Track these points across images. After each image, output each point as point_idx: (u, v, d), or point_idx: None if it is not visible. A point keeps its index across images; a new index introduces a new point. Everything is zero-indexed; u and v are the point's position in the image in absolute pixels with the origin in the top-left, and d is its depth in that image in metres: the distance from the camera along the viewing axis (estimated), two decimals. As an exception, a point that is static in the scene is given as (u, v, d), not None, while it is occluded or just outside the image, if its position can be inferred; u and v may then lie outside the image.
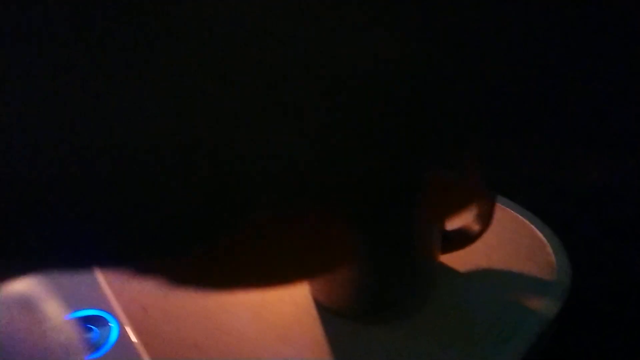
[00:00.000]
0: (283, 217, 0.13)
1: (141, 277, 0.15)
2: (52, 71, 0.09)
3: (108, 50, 0.09)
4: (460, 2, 0.10)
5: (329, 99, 0.11)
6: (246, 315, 0.42)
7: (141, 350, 0.38)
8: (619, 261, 0.49)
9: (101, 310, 0.37)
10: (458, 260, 0.44)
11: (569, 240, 0.45)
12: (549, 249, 0.45)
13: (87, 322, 0.37)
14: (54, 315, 0.35)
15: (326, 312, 0.41)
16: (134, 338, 0.39)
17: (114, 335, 0.37)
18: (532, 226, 0.46)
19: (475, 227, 0.42)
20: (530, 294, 0.42)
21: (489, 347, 0.38)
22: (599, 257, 0.49)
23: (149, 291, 0.44)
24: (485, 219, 0.42)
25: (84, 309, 0.37)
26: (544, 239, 0.45)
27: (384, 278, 0.38)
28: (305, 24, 0.10)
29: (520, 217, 0.47)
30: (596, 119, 0.12)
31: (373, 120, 0.12)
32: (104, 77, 0.10)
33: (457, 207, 0.18)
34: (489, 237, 0.43)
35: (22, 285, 0.35)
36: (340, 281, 0.39)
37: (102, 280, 0.42)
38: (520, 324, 0.39)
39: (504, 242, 0.46)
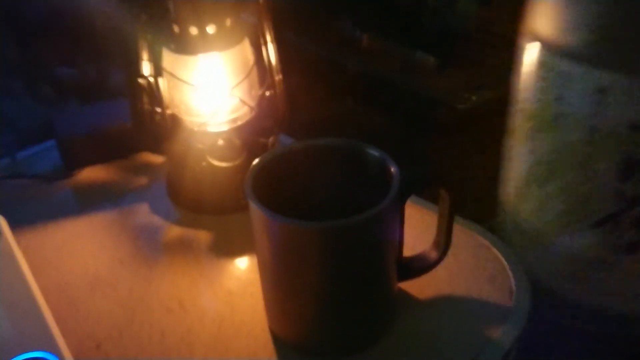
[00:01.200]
0: None
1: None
2: None
3: None
4: None
5: None
6: (202, 350, 0.40)
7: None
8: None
9: (47, 352, 0.35)
10: (417, 286, 0.44)
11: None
12: (509, 273, 0.45)
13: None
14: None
15: (285, 347, 0.40)
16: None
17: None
18: (497, 252, 0.46)
19: (434, 254, 0.42)
20: (491, 319, 0.41)
21: (448, 376, 0.37)
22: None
23: (104, 327, 0.42)
24: (443, 246, 0.41)
25: (28, 352, 0.35)
26: (504, 262, 0.45)
27: (343, 312, 0.37)
28: None
29: (481, 238, 0.47)
30: None
31: None
32: None
33: None
34: (449, 261, 0.43)
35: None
36: (299, 316, 0.38)
37: (51, 319, 0.40)
38: (482, 351, 0.39)
39: (464, 266, 0.46)
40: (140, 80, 0.50)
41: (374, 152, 0.38)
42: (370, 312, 0.38)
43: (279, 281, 0.37)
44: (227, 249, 0.49)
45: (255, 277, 0.46)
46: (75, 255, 0.49)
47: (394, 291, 0.40)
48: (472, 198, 0.64)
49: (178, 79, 0.49)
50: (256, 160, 0.38)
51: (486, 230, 0.49)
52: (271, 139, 0.53)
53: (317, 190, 0.41)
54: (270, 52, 0.52)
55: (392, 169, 0.36)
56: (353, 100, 0.98)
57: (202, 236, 0.51)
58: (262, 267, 0.38)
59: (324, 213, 0.41)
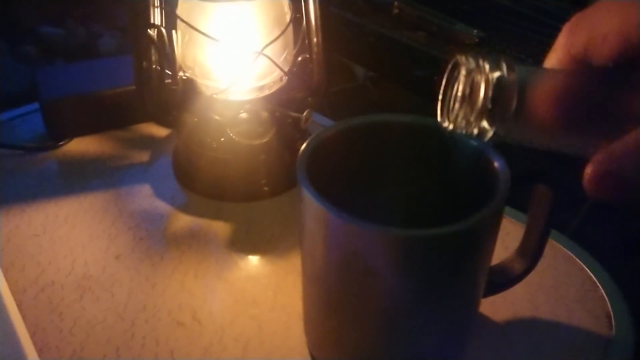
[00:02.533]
0: None
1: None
2: None
3: None
4: None
5: None
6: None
7: None
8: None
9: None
10: (490, 305, 0.35)
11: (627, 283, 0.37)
12: (602, 293, 0.36)
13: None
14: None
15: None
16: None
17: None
18: (584, 265, 0.38)
19: (518, 265, 0.33)
20: (587, 352, 0.33)
21: None
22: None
23: (96, 343, 0.33)
24: (533, 255, 0.33)
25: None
26: (595, 280, 0.37)
27: (418, 343, 0.28)
28: None
29: (570, 253, 0.39)
30: None
31: None
32: None
33: None
34: (530, 276, 0.34)
35: None
36: (358, 345, 0.29)
37: (22, 330, 0.31)
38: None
39: (546, 282, 0.37)
40: (149, 32, 0.40)
41: (468, 139, 0.29)
42: (447, 342, 0.30)
43: (337, 300, 0.28)
44: (247, 245, 0.40)
45: (285, 284, 0.37)
46: (59, 247, 0.39)
47: (476, 315, 0.32)
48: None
49: (197, 30, 0.39)
50: (309, 139, 0.29)
51: (567, 238, 0.40)
52: (305, 114, 0.44)
53: (383, 180, 0.31)
54: (311, 6, 0.42)
55: (496, 164, 0.27)
56: (374, 75, 0.88)
57: (217, 228, 0.41)
58: (311, 278, 0.29)
59: (396, 212, 0.32)
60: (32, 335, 0.33)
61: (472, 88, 0.20)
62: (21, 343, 0.31)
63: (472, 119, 0.21)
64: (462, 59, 0.21)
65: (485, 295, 0.33)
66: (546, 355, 0.33)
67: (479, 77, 0.20)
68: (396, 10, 0.76)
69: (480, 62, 0.20)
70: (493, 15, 0.77)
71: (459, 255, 0.25)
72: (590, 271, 0.37)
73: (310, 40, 0.43)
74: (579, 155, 0.21)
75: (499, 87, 0.20)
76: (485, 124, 0.20)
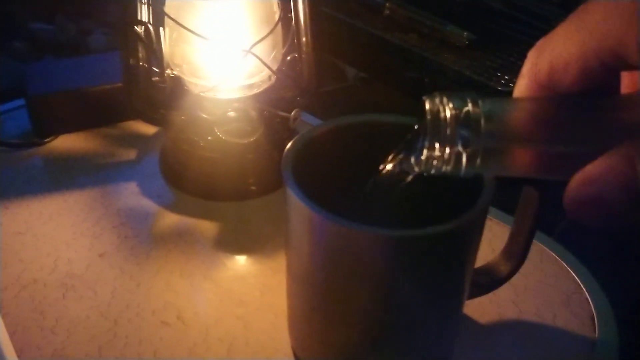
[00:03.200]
0: None
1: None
2: None
3: None
4: None
5: None
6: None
7: None
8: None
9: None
10: (477, 307, 0.35)
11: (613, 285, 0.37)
12: (587, 296, 0.36)
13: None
14: None
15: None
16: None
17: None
18: (569, 268, 0.38)
19: (504, 267, 0.33)
20: (572, 354, 0.33)
21: None
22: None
23: (78, 342, 0.33)
24: (519, 256, 0.33)
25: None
26: (580, 283, 0.37)
27: (404, 344, 0.28)
28: None
29: (556, 256, 0.39)
30: None
31: None
32: None
33: None
34: (516, 278, 0.34)
35: None
36: (343, 345, 0.29)
37: (2, 329, 0.30)
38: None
39: (531, 283, 0.37)
40: (137, 29, 0.39)
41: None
42: (433, 343, 0.30)
43: (322, 300, 0.28)
44: (235, 244, 0.40)
45: (272, 284, 0.37)
46: (43, 244, 0.39)
47: (461, 316, 0.32)
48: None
49: (184, 28, 0.39)
50: (296, 138, 0.28)
51: (553, 240, 0.40)
52: (293, 113, 0.44)
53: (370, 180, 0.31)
54: (300, 5, 0.42)
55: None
56: (365, 75, 0.88)
57: (204, 227, 0.41)
58: (297, 278, 0.29)
59: (383, 212, 0.31)
60: (13, 334, 0.33)
61: (439, 125, 0.20)
62: (0, 342, 0.31)
63: (444, 155, 0.21)
64: (426, 100, 0.21)
65: (471, 296, 0.33)
66: (531, 357, 0.33)
67: (443, 114, 0.20)
68: (387, 11, 0.76)
69: (445, 100, 0.21)
70: (484, 17, 0.77)
71: (444, 256, 0.25)
72: (575, 274, 0.38)
73: (299, 40, 0.43)
74: (556, 179, 0.21)
75: (465, 121, 0.20)
76: (456, 159, 0.20)
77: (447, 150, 0.20)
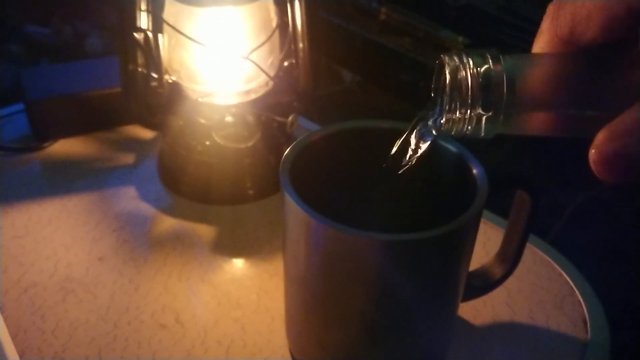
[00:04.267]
0: None
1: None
2: None
3: None
4: None
5: None
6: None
7: None
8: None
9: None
10: (475, 309, 0.36)
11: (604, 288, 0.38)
12: (579, 298, 0.37)
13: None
14: None
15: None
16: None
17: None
18: (562, 271, 0.39)
19: (498, 270, 0.34)
20: (565, 355, 0.33)
21: None
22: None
23: (78, 344, 0.33)
24: (512, 260, 0.33)
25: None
26: (573, 285, 0.38)
27: (398, 346, 0.28)
28: None
29: (549, 259, 0.39)
30: None
31: None
32: None
33: None
34: (510, 281, 0.35)
35: None
36: (339, 347, 0.29)
37: (4, 331, 0.31)
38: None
39: (525, 286, 0.38)
40: (136, 35, 0.40)
41: (449, 145, 0.29)
42: (427, 345, 0.30)
43: (318, 303, 0.28)
44: (232, 248, 0.40)
45: (269, 287, 0.37)
46: (42, 248, 0.39)
47: (455, 318, 0.32)
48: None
49: (183, 35, 0.39)
50: (293, 144, 0.29)
51: (547, 243, 0.41)
52: (290, 118, 0.44)
53: (366, 185, 0.32)
54: (297, 12, 0.42)
55: (475, 170, 0.28)
56: (361, 79, 0.89)
57: (202, 231, 0.42)
58: (293, 281, 0.29)
59: (375, 215, 0.32)
60: (14, 336, 0.33)
61: (460, 85, 0.19)
62: (2, 344, 0.31)
63: (465, 116, 0.20)
64: (445, 58, 0.20)
65: (466, 299, 0.34)
66: (524, 358, 0.34)
67: (463, 73, 0.19)
68: (383, 16, 0.76)
69: (464, 58, 0.20)
70: (479, 22, 0.78)
71: (438, 259, 0.26)
72: (568, 276, 0.38)
73: (296, 46, 0.43)
74: (580, 136, 0.20)
75: (486, 81, 0.19)
76: (477, 119, 0.20)
77: (468, 111, 0.20)
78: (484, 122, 0.20)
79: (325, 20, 0.76)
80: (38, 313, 0.35)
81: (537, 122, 0.20)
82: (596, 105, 0.19)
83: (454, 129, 0.21)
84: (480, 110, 0.20)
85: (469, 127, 0.20)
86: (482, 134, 0.20)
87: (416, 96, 0.74)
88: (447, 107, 0.20)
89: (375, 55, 0.75)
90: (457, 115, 0.20)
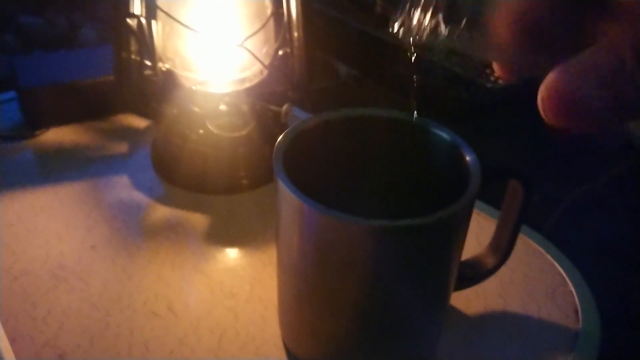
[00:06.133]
0: None
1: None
2: None
3: None
4: None
5: None
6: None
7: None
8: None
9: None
10: (464, 298, 0.36)
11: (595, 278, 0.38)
12: (571, 289, 0.37)
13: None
14: None
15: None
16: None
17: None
18: (554, 262, 0.39)
19: (490, 260, 0.34)
20: (556, 345, 0.34)
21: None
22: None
23: (70, 332, 0.33)
24: (505, 249, 0.33)
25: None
26: (565, 276, 0.38)
27: (391, 334, 0.28)
28: None
29: (542, 250, 0.39)
30: None
31: None
32: None
33: None
34: (502, 271, 0.35)
35: None
36: (331, 335, 0.29)
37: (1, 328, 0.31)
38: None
39: (517, 276, 0.38)
40: (129, 21, 0.40)
41: (443, 134, 0.29)
42: (419, 333, 0.30)
43: (311, 291, 0.28)
44: (226, 237, 0.40)
45: (262, 276, 0.37)
46: (35, 236, 0.39)
47: (447, 307, 0.32)
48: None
49: (177, 21, 0.39)
50: (287, 131, 0.29)
51: (537, 233, 0.41)
52: (285, 107, 0.44)
53: (360, 173, 0.32)
54: (292, 1, 0.42)
55: (468, 158, 0.28)
56: (357, 73, 0.89)
57: (196, 220, 0.41)
58: (286, 269, 0.29)
59: (368, 203, 0.32)
60: (5, 323, 0.33)
61: None
62: (-7, 331, 0.31)
63: (425, 21, 0.19)
64: None
65: (459, 288, 0.34)
66: (516, 347, 0.34)
67: None
68: (379, 9, 0.76)
69: None
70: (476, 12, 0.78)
71: (430, 247, 0.26)
72: (560, 267, 0.38)
73: (291, 35, 0.43)
74: (534, 70, 0.18)
75: None
76: (433, 29, 0.19)
77: (425, 17, 0.19)
78: (441, 30, 0.19)
79: (321, 13, 0.76)
80: (29, 300, 0.35)
81: (494, 39, 0.18)
82: (556, 38, 0.18)
83: (413, 36, 0.20)
84: (438, 17, 0.19)
85: (424, 35, 0.19)
86: (440, 43, 0.19)
87: (412, 89, 0.74)
88: (406, 10, 0.19)
89: (370, 48, 0.75)
90: (414, 22, 0.19)
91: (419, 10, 0.19)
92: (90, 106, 0.50)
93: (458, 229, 0.27)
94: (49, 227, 0.40)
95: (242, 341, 0.33)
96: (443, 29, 0.19)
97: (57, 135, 0.49)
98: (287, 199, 0.26)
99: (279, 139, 0.28)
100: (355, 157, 0.32)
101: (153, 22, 0.40)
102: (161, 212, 0.42)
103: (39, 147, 0.48)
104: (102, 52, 0.52)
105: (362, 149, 0.31)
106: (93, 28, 1.16)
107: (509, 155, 0.72)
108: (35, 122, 0.49)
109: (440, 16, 0.19)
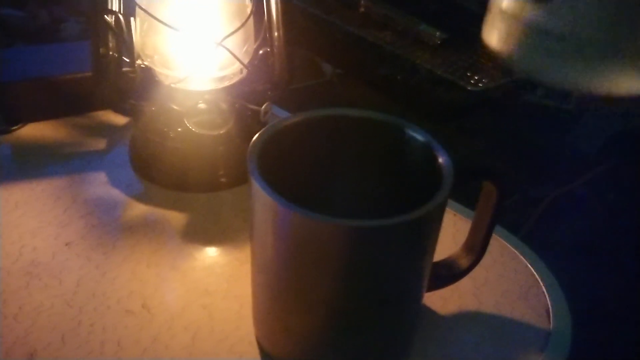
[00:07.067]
0: None
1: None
2: None
3: None
4: None
5: None
6: (171, 368, 0.31)
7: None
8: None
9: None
10: (439, 298, 0.36)
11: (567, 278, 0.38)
12: (544, 290, 0.38)
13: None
14: None
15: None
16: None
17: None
18: (527, 263, 0.39)
19: (464, 260, 0.35)
20: (529, 344, 0.34)
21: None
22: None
23: (42, 330, 0.32)
24: (479, 250, 0.34)
25: None
26: (537, 277, 0.38)
27: (362, 332, 0.29)
28: None
29: (516, 251, 0.40)
30: None
31: None
32: None
33: None
34: (477, 272, 0.35)
35: None
36: (305, 334, 0.29)
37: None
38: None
39: (491, 277, 0.38)
40: (107, 18, 0.39)
41: (417, 135, 0.29)
42: (393, 333, 0.30)
43: (284, 289, 0.28)
44: (203, 235, 0.40)
45: (239, 274, 0.37)
46: (8, 233, 0.39)
47: (421, 306, 0.32)
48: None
49: (156, 19, 0.39)
50: (263, 130, 0.29)
51: (513, 236, 0.41)
52: (264, 107, 0.44)
53: (335, 173, 0.32)
54: (272, 0, 0.42)
55: (441, 159, 0.28)
56: (340, 72, 0.89)
57: (173, 218, 0.41)
58: (260, 268, 0.29)
59: (343, 203, 0.32)
60: (-25, 321, 0.32)
61: None
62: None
63: None
64: None
65: (433, 288, 0.34)
66: (489, 346, 0.34)
67: None
68: (363, 9, 0.76)
69: None
70: (457, 17, 0.78)
71: (403, 247, 0.26)
72: (533, 268, 0.39)
73: (271, 34, 0.43)
74: None
75: None
76: None
77: None
78: None
79: (305, 11, 0.76)
80: (0, 297, 0.34)
81: None
82: None
83: None
84: None
85: None
86: None
87: (393, 89, 0.74)
88: None
89: (354, 48, 0.75)
90: None
91: None
92: (68, 102, 0.50)
93: (430, 229, 0.27)
94: (23, 224, 0.40)
95: (216, 339, 0.33)
96: None
97: (34, 131, 0.49)
98: (261, 198, 0.26)
99: (254, 138, 0.28)
100: (331, 157, 0.32)
101: (132, 18, 0.40)
102: (138, 210, 0.42)
103: (15, 142, 0.47)
104: (81, 47, 0.52)
105: (338, 149, 0.32)
106: (75, 22, 1.15)
107: (488, 154, 0.73)
108: (12, 117, 0.49)
109: None
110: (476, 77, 0.67)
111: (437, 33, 0.70)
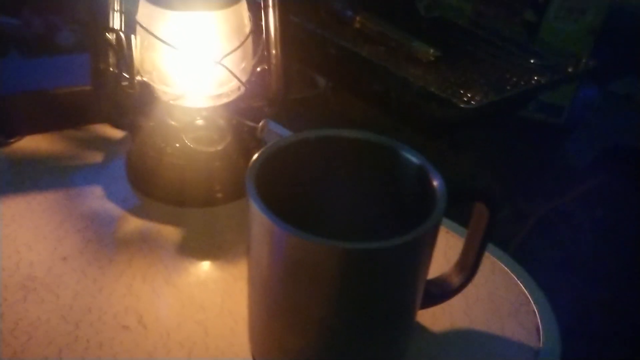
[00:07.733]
0: None
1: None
2: None
3: None
4: None
5: None
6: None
7: None
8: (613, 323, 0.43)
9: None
10: (434, 316, 0.37)
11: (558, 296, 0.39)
12: (534, 308, 0.38)
13: None
14: None
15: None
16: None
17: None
18: (518, 281, 0.40)
19: (456, 279, 0.35)
20: (516, 363, 0.35)
21: None
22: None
23: (38, 344, 0.33)
24: (470, 269, 0.35)
25: None
26: (528, 295, 0.39)
27: (357, 351, 0.29)
28: None
29: (507, 269, 0.41)
30: None
31: None
32: None
33: None
34: (468, 289, 0.36)
35: None
36: (300, 351, 0.30)
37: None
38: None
39: (482, 295, 0.39)
40: (108, 35, 0.40)
41: (411, 157, 0.30)
42: (386, 350, 0.31)
43: (280, 308, 0.29)
44: (199, 250, 0.41)
45: (233, 290, 0.37)
46: (4, 246, 0.39)
47: (414, 324, 0.33)
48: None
49: (156, 37, 0.40)
50: (261, 150, 0.30)
51: (505, 254, 0.42)
52: (261, 123, 0.45)
53: (331, 193, 0.33)
54: (271, 19, 0.43)
55: (435, 182, 0.29)
56: (334, 85, 0.90)
57: (169, 233, 0.42)
58: (256, 286, 0.30)
59: (338, 222, 0.33)
60: (-29, 335, 0.33)
61: None
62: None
63: None
64: None
65: (425, 306, 0.35)
66: (479, 365, 0.35)
67: None
68: (358, 25, 0.77)
69: None
70: (450, 35, 0.80)
71: (396, 268, 0.27)
72: (524, 286, 0.40)
73: (269, 52, 0.44)
74: None
75: None
76: None
77: None
78: None
79: (300, 26, 0.77)
80: (-3, 312, 0.34)
81: None
82: None
83: None
84: None
85: None
86: None
87: (386, 105, 0.75)
88: None
89: (348, 63, 0.76)
90: None
91: None
92: (66, 115, 0.50)
93: (424, 250, 0.28)
94: (20, 237, 0.40)
95: (211, 355, 0.33)
96: None
97: (31, 144, 0.49)
98: (258, 218, 0.26)
99: (252, 160, 0.29)
100: (326, 177, 0.32)
101: (132, 36, 0.41)
102: (134, 224, 0.42)
103: (11, 155, 0.48)
104: (79, 60, 0.52)
105: (333, 169, 0.32)
106: (71, 31, 1.15)
107: (477, 172, 0.74)
108: (9, 129, 0.49)
109: None
110: (469, 95, 0.68)
111: (431, 50, 0.71)
